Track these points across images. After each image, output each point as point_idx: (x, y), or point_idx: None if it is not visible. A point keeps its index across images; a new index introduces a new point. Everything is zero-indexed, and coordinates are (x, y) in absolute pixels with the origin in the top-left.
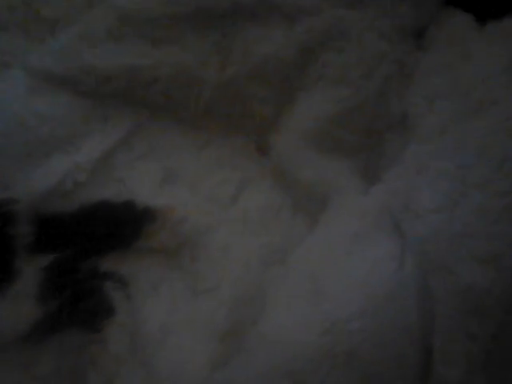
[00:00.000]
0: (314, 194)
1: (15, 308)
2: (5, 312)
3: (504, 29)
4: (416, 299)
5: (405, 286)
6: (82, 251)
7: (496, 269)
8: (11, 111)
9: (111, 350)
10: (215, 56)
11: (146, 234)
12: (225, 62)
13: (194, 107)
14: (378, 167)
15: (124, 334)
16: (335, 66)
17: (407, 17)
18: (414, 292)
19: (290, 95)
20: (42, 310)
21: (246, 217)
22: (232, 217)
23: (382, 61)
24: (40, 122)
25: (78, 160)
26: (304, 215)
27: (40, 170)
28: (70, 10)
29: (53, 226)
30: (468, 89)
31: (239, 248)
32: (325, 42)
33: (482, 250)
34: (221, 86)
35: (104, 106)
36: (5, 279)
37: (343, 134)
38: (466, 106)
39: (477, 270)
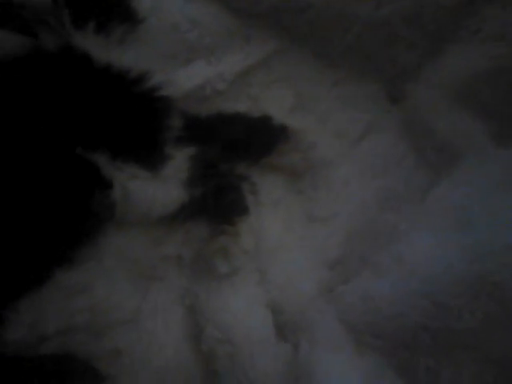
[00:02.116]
0: (446, 147)
1: (166, 189)
2: (156, 191)
3: None
4: None
5: None
6: (221, 152)
7: None
8: (167, 13)
9: (242, 243)
10: None
11: (278, 151)
12: (381, 0)
13: (338, 42)
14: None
15: (252, 234)
16: (496, 21)
17: None
18: None
19: (440, 46)
20: (188, 194)
21: (369, 158)
22: (355, 155)
23: None
24: (191, 28)
25: (220, 70)
26: (427, 168)
27: (183, 72)
28: None
29: (197, 125)
30: None
31: (358, 186)
32: None
33: None
34: (371, 25)
35: (250, 26)
36: (158, 162)
37: (487, 94)
38: None
39: None
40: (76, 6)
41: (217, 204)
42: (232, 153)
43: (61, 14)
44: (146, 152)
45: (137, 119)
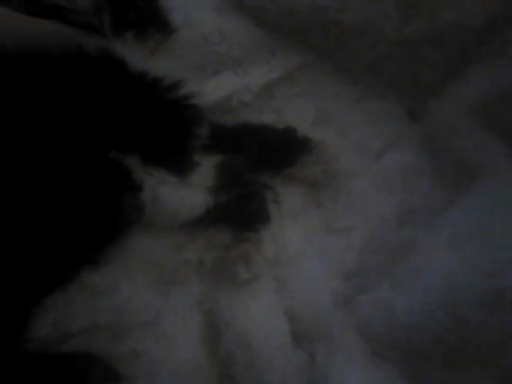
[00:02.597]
0: (465, 164)
1: (192, 194)
2: (183, 196)
3: None
4: None
5: None
6: (246, 161)
7: None
8: (198, 26)
9: (264, 251)
10: (399, 11)
11: (300, 162)
12: (407, 19)
13: (362, 59)
14: None
15: (274, 242)
16: None
17: None
18: None
19: (463, 66)
20: (213, 200)
21: (388, 173)
22: (376, 170)
23: None
24: (221, 40)
25: (247, 82)
26: (446, 184)
27: (211, 83)
28: None
29: (223, 134)
30: None
31: (377, 200)
32: None
33: None
34: (396, 43)
35: (276, 41)
36: (186, 168)
37: (507, 114)
38: None
39: None
40: (116, 13)
41: (240, 211)
42: (256, 162)
43: (102, 19)
44: (176, 158)
45: (168, 126)
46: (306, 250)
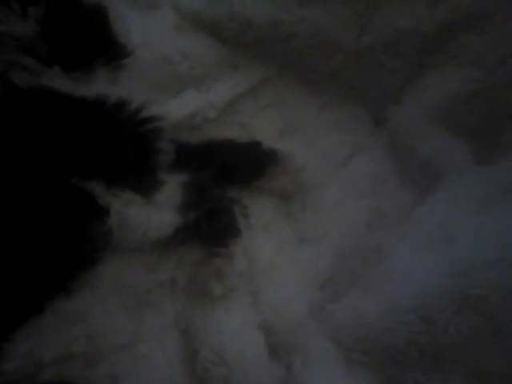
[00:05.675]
0: (428, 166)
1: (160, 214)
2: (151, 216)
3: None
4: None
5: None
6: (213, 177)
7: None
8: (158, 46)
9: (236, 266)
10: (355, 23)
11: (268, 174)
12: (363, 29)
13: (323, 69)
14: (492, 153)
15: (245, 256)
16: (472, 47)
17: None
18: None
19: (420, 71)
20: (182, 218)
21: (356, 179)
22: (343, 177)
23: None
24: (182, 59)
25: (210, 98)
26: (412, 187)
27: (174, 101)
28: None
29: (189, 152)
30: None
31: (346, 206)
32: (466, 23)
33: None
34: (354, 53)
35: (237, 56)
36: (152, 187)
37: (465, 115)
38: None
39: None
40: (55, 40)
41: (210, 227)
42: (223, 177)
43: (39, 48)
44: (139, 177)
45: (125, 144)
46: (278, 261)
